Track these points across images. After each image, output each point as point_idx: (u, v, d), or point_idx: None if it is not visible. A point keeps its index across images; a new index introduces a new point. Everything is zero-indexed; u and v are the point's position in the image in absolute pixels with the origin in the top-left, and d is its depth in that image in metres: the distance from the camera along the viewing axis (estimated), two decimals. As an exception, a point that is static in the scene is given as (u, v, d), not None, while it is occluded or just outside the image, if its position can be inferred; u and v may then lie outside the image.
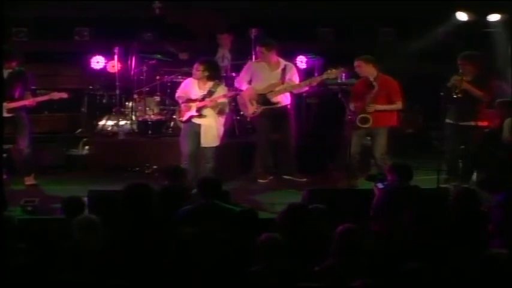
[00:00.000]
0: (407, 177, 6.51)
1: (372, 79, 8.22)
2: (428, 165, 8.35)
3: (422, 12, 10.79)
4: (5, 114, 8.26)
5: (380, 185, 6.53)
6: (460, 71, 8.22)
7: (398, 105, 8.33)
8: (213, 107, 8.21)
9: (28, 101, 8.47)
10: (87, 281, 4.38)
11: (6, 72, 8.36)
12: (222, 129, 8.40)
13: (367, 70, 8.24)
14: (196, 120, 8.26)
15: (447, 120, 8.44)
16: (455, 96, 8.10)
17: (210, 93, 8.24)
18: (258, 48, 8.76)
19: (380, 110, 8.22)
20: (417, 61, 10.76)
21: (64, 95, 8.62)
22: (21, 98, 8.41)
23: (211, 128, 8.25)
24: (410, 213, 5.65)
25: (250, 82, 8.73)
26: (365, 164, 8.61)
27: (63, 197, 6.15)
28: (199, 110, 8.21)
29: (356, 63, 8.29)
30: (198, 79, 8.27)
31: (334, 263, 4.70)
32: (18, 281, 4.34)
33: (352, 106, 8.30)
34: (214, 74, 8.38)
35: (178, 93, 8.52)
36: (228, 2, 10.84)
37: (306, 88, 8.92)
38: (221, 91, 8.32)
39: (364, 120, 8.21)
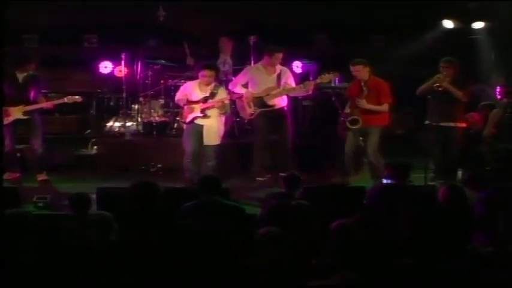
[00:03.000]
0: (404, 176, 6.52)
1: (363, 82, 8.25)
2: (416, 164, 8.34)
3: (411, 20, 10.81)
4: (21, 117, 8.29)
5: (384, 181, 6.54)
6: (444, 73, 8.30)
7: (385, 107, 8.36)
8: (219, 107, 8.21)
9: (46, 104, 8.49)
10: (94, 275, 4.34)
11: (20, 77, 8.37)
12: (222, 129, 8.41)
13: (364, 74, 8.27)
14: (198, 121, 8.25)
15: (427, 122, 8.53)
16: (436, 89, 8.23)
17: (212, 94, 8.24)
18: (278, 55, 8.55)
19: (368, 109, 8.24)
20: (407, 66, 10.75)
21: (79, 99, 8.62)
22: (35, 101, 8.41)
23: (213, 128, 8.25)
24: (403, 210, 5.64)
25: (246, 86, 8.73)
26: (358, 163, 8.61)
27: (71, 193, 6.13)
28: (203, 111, 8.21)
29: (355, 67, 8.27)
30: (208, 83, 8.24)
31: (329, 257, 4.66)
32: (28, 276, 4.31)
33: (347, 109, 8.34)
34: (218, 76, 8.53)
35: (178, 96, 8.50)
36: (229, 9, 10.86)
37: (303, 92, 8.87)
38: (223, 92, 8.35)
39: (354, 122, 8.24)
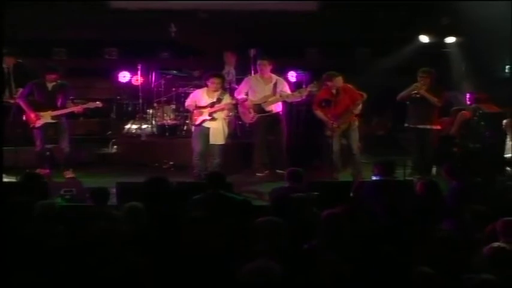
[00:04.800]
0: (391, 172, 6.54)
1: (335, 90, 8.24)
2: (396, 161, 8.35)
3: (392, 35, 10.86)
4: (50, 121, 8.35)
5: (373, 178, 6.56)
6: (422, 81, 8.35)
7: (360, 104, 8.34)
8: (228, 109, 8.27)
9: (77, 108, 8.53)
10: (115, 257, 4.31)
11: (50, 85, 8.42)
12: (227, 130, 8.43)
13: (341, 82, 8.28)
14: (206, 124, 8.28)
15: (406, 124, 8.57)
16: (414, 96, 8.29)
17: (219, 100, 8.28)
18: (263, 62, 8.63)
19: (350, 109, 8.27)
20: (388, 75, 10.77)
21: (100, 104, 8.67)
22: (63, 107, 8.44)
23: (218, 129, 8.28)
24: (384, 202, 5.64)
25: (247, 93, 8.75)
26: (345, 160, 8.62)
27: (92, 187, 6.15)
28: (211, 114, 8.24)
29: (337, 79, 8.24)
30: (216, 90, 8.27)
31: (319, 243, 4.67)
32: (56, 258, 4.31)
33: (318, 112, 8.37)
34: (223, 84, 8.54)
35: (188, 102, 8.53)
36: (233, 26, 10.90)
37: (299, 98, 8.86)
38: (228, 98, 8.38)
39: (345, 129, 8.31)
